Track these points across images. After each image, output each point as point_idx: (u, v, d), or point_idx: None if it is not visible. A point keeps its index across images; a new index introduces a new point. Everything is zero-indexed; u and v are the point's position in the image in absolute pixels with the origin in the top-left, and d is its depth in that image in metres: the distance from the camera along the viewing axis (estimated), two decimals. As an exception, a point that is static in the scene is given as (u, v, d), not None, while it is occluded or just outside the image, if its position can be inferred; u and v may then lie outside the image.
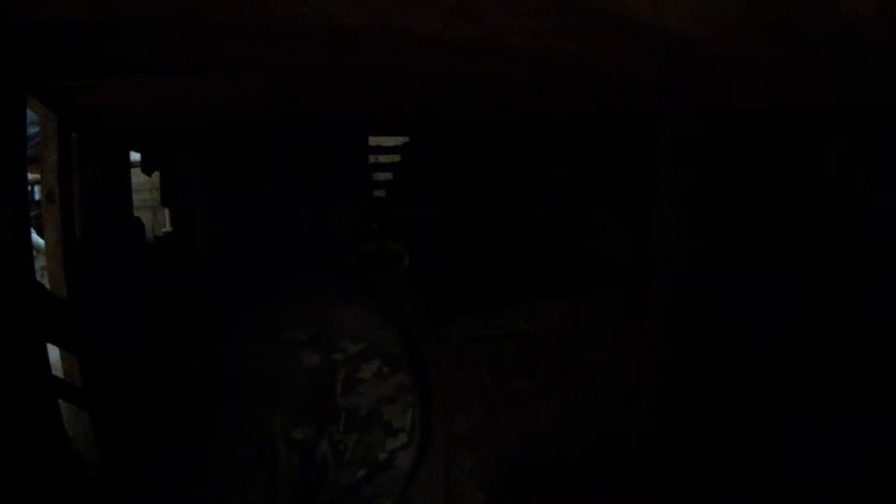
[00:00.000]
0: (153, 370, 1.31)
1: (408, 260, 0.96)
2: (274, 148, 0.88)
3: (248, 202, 0.90)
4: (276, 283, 0.82)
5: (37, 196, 4.74)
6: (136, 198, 4.81)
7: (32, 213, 3.12)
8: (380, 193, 5.95)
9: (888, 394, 2.50)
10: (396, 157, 5.78)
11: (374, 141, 5.70)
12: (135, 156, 4.65)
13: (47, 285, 2.60)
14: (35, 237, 3.07)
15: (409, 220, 5.15)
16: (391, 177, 5.86)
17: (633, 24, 1.92)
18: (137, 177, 4.62)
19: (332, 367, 0.72)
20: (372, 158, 5.88)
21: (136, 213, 4.61)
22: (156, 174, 4.57)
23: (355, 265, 0.87)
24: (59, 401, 1.77)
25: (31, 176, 2.63)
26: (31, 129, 2.72)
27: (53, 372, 1.95)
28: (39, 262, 2.93)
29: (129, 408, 2.34)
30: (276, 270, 0.88)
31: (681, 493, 2.83)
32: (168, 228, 6.81)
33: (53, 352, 2.11)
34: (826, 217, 2.80)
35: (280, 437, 0.70)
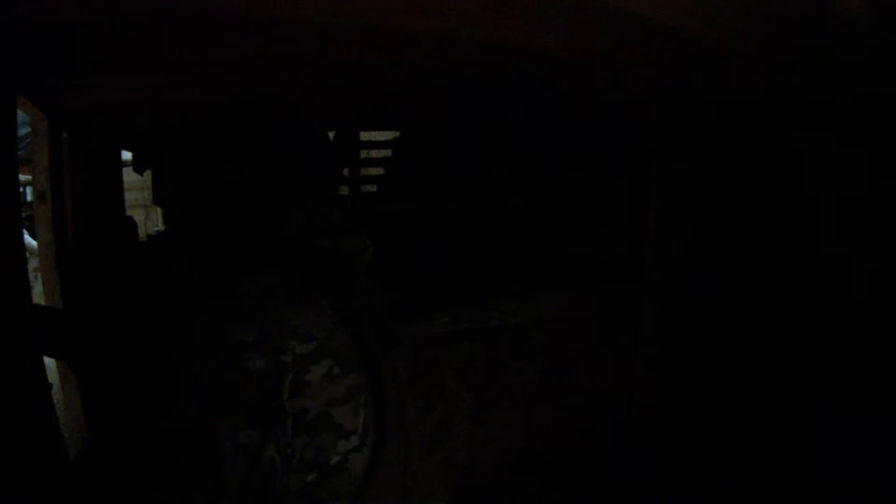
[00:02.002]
0: (120, 365, 1.31)
1: (371, 253, 0.95)
2: (249, 143, 0.88)
3: (216, 200, 0.90)
4: (230, 282, 0.81)
5: (28, 197, 4.73)
6: (129, 196, 4.80)
7: (24, 214, 3.11)
8: (371, 188, 5.96)
9: (886, 387, 2.51)
10: (388, 152, 5.79)
11: (365, 136, 5.71)
12: (126, 155, 4.65)
13: (40, 287, 2.59)
14: (27, 238, 3.07)
15: (401, 213, 5.17)
16: (382, 171, 5.87)
17: (625, 16, 1.93)
18: (129, 175, 4.62)
19: (280, 369, 0.72)
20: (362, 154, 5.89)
21: (128, 212, 4.61)
22: (147, 173, 4.55)
23: (311, 261, 0.86)
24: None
25: (22, 177, 2.62)
26: (22, 130, 2.72)
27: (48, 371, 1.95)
28: (32, 264, 2.93)
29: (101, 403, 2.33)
30: (235, 269, 0.87)
31: (675, 487, 2.86)
32: (160, 227, 6.80)
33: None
34: (819, 210, 2.81)
35: (226, 442, 0.70)
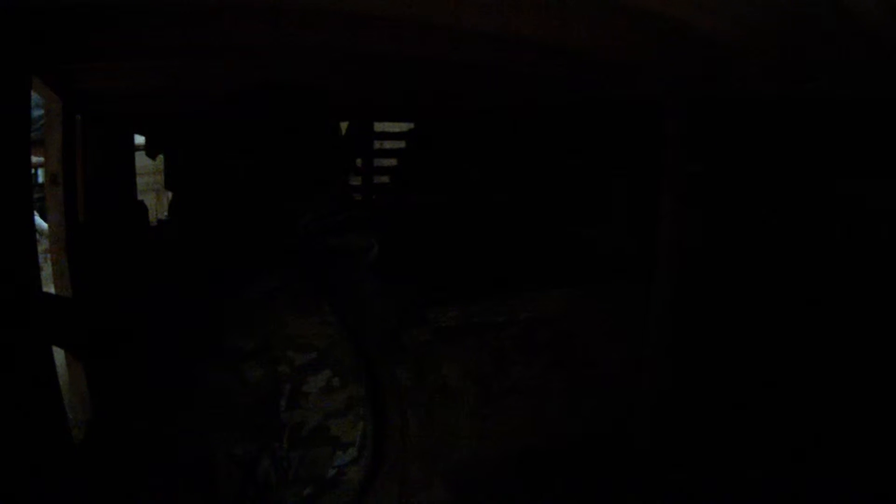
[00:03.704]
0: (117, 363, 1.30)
1: (377, 252, 0.92)
2: (260, 134, 0.86)
3: (225, 191, 0.88)
4: (229, 285, 0.79)
5: (40, 179, 4.74)
6: (140, 181, 4.82)
7: (36, 196, 3.12)
8: (384, 179, 5.95)
9: (889, 386, 2.50)
10: (402, 143, 5.77)
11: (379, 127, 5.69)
12: (139, 139, 4.66)
13: (50, 269, 2.60)
14: (38, 220, 3.08)
15: (410, 206, 5.15)
16: (395, 163, 5.85)
17: (642, 14, 1.91)
18: (142, 160, 4.63)
19: (277, 379, 0.70)
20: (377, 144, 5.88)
21: (140, 197, 4.62)
22: (160, 157, 4.55)
23: (316, 261, 0.83)
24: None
25: (34, 159, 2.63)
26: (36, 112, 2.72)
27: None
28: (42, 246, 2.94)
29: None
30: (235, 271, 0.85)
31: (676, 486, 2.84)
32: (172, 212, 6.82)
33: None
34: (829, 208, 2.79)
35: (220, 453, 0.68)
